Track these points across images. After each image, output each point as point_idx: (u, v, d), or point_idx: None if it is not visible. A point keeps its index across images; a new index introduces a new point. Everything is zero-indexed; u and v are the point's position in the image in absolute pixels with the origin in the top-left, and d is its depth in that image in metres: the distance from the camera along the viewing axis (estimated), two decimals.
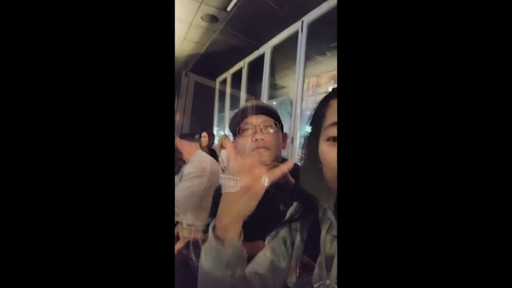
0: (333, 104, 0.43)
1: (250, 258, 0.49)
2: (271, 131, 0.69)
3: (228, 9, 2.18)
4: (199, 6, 2.18)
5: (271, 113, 0.70)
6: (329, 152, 0.41)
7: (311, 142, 0.45)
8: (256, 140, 0.67)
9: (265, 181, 0.40)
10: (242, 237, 0.43)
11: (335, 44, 1.96)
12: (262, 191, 0.41)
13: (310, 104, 2.35)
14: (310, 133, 0.46)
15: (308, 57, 2.13)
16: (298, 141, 2.09)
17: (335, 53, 1.96)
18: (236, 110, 0.72)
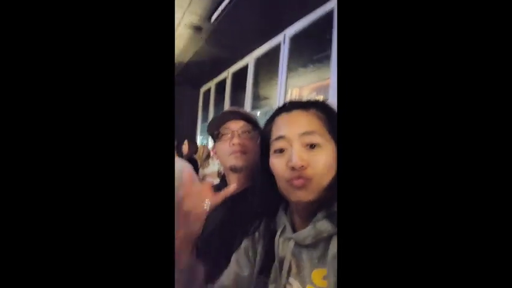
0: (278, 121, 0.48)
1: None
2: (249, 136, 0.71)
3: (212, 20, 2.20)
4: (183, 15, 2.18)
5: (250, 119, 0.72)
6: (276, 164, 0.45)
7: (264, 156, 0.49)
8: (233, 144, 0.69)
9: (207, 205, 0.45)
10: (195, 256, 0.47)
11: (317, 56, 2.01)
12: (204, 215, 0.45)
13: None
14: (262, 148, 0.51)
15: (290, 69, 2.17)
16: None
17: (317, 65, 2.01)
18: (217, 115, 0.76)
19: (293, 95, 2.36)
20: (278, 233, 0.48)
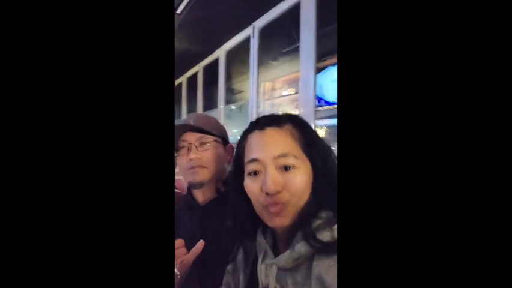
0: (251, 140, 0.46)
1: None
2: (209, 147, 0.67)
3: (178, 11, 2.10)
4: None
5: (207, 129, 0.67)
6: (250, 187, 0.44)
7: (238, 177, 0.47)
8: (190, 159, 0.65)
9: (179, 272, 0.46)
10: None
11: (287, 49, 2.01)
12: (177, 280, 0.46)
13: (267, 107, 2.37)
14: (236, 169, 0.49)
15: (261, 63, 2.15)
16: None
17: (288, 58, 2.01)
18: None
19: (266, 88, 2.35)
20: (260, 259, 0.46)
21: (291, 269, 0.41)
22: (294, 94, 2.06)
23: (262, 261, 0.45)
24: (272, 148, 0.43)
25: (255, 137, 0.46)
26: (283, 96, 2.25)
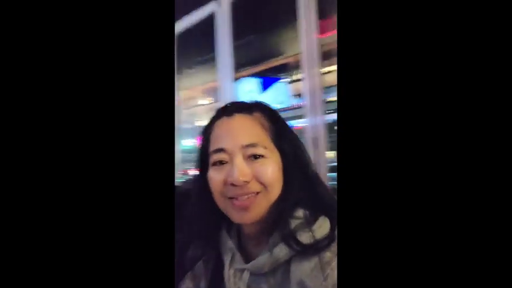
0: (218, 127, 0.43)
1: None
2: None
3: None
4: None
5: None
6: (214, 178, 0.40)
7: (202, 169, 0.43)
8: None
9: None
10: None
11: (203, 58, 2.00)
12: None
13: (185, 117, 2.28)
14: (200, 159, 0.44)
15: (178, 71, 2.07)
16: (176, 155, 1.98)
17: (203, 67, 2.00)
18: None
19: (183, 97, 2.27)
20: (227, 264, 0.40)
21: (266, 273, 0.38)
22: (212, 103, 2.06)
23: (230, 266, 0.41)
24: (241, 136, 0.40)
25: (223, 124, 0.42)
26: (201, 105, 2.23)
